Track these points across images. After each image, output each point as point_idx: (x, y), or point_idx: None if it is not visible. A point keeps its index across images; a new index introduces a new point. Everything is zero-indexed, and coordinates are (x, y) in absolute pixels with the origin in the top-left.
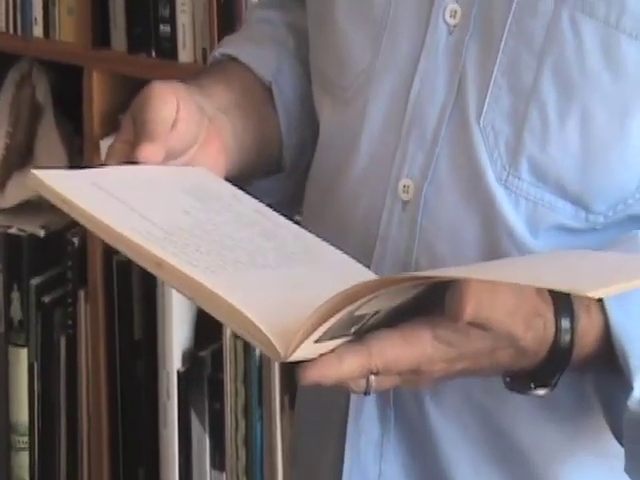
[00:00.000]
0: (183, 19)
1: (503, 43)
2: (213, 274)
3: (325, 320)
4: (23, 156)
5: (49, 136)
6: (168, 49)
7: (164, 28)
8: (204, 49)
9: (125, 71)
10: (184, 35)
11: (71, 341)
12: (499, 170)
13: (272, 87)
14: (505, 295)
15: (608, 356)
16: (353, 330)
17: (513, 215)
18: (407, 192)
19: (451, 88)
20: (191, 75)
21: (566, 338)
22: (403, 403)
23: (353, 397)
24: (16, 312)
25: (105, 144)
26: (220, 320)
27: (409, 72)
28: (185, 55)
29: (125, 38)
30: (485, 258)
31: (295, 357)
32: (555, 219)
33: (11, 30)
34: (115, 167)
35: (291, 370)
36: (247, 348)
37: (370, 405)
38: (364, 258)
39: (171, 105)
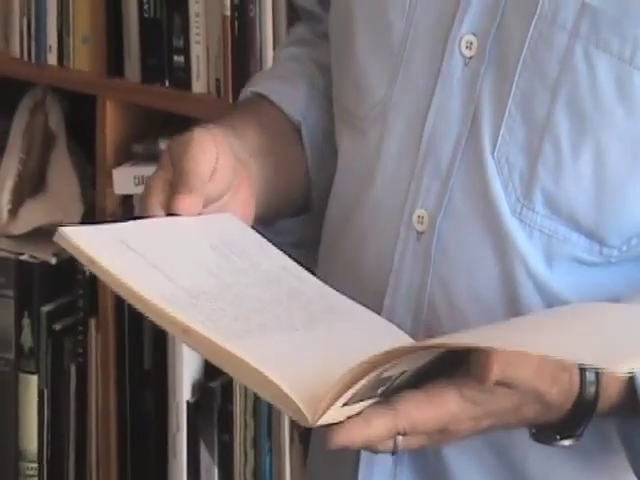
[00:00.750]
0: (197, 50)
1: (517, 75)
2: (240, 340)
3: (352, 385)
4: (35, 183)
5: (62, 164)
6: (182, 79)
7: (178, 58)
8: (217, 80)
9: (139, 101)
10: (198, 66)
11: (81, 369)
12: (513, 202)
13: (301, 127)
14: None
15: (632, 404)
16: (380, 391)
17: (528, 247)
18: (421, 223)
19: (466, 120)
20: (204, 106)
21: (591, 390)
22: None
23: None
24: (27, 339)
25: (118, 173)
26: (248, 387)
27: (424, 103)
28: (199, 86)
29: (139, 68)
30: (500, 290)
31: (323, 421)
32: (569, 252)
33: (25, 57)
34: (142, 222)
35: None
36: None
37: None
38: (378, 290)
39: (210, 155)
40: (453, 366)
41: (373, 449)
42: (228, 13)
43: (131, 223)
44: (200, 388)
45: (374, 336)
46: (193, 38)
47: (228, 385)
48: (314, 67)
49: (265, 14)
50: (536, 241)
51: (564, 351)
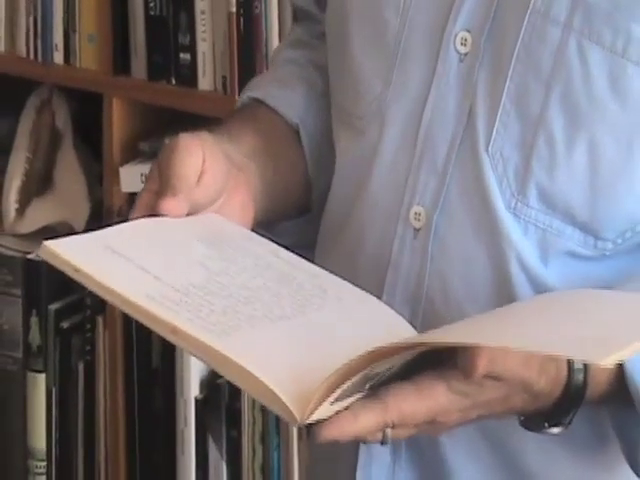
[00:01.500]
0: (203, 47)
1: (511, 70)
2: (228, 337)
3: (341, 383)
4: (42, 182)
5: (68, 162)
6: (188, 77)
7: (184, 56)
8: (224, 77)
9: (145, 98)
10: (204, 63)
11: (89, 367)
12: (508, 197)
13: (299, 130)
14: None
15: (622, 392)
16: (368, 386)
17: (523, 242)
18: (418, 220)
19: (461, 116)
20: (210, 103)
21: (579, 378)
22: None
23: None
24: (34, 338)
25: (124, 171)
26: (237, 385)
27: (420, 100)
28: (205, 83)
29: (145, 66)
30: (495, 285)
31: (311, 420)
32: (564, 245)
33: (32, 56)
34: (129, 224)
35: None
36: None
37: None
38: (376, 287)
39: (196, 158)
40: (441, 357)
41: (362, 440)
42: (234, 10)
43: (115, 227)
44: (208, 385)
45: (367, 320)
46: (199, 35)
47: None
48: (312, 69)
49: (271, 11)
50: (531, 235)
51: (549, 345)
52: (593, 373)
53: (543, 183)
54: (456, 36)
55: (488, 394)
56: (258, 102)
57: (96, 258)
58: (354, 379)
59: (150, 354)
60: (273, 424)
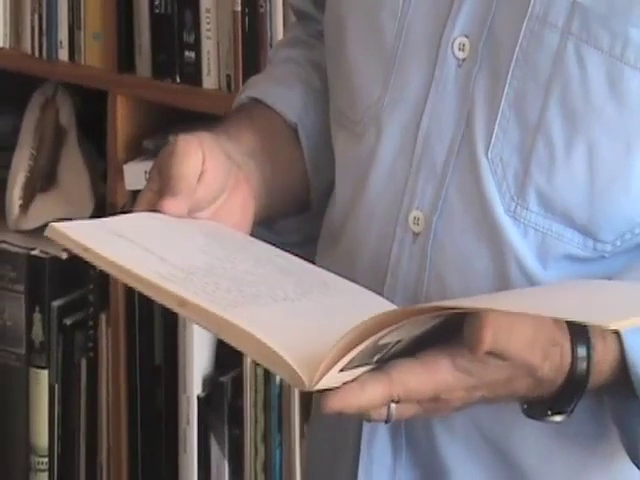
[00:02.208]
0: (208, 45)
1: (510, 75)
2: (235, 309)
3: (350, 349)
4: (46, 179)
5: (72, 159)
6: (192, 75)
7: (189, 54)
8: (228, 75)
9: (149, 96)
10: (209, 61)
11: (92, 364)
12: (507, 201)
13: (298, 128)
14: (523, 325)
15: (624, 382)
16: (375, 359)
17: (522, 245)
18: (417, 224)
19: (460, 121)
20: (214, 101)
21: (582, 366)
22: (414, 432)
23: (366, 426)
24: (37, 334)
25: (129, 168)
26: (244, 352)
27: (418, 106)
28: (209, 81)
29: (150, 63)
30: (495, 289)
31: (320, 386)
32: (564, 248)
33: (36, 53)
34: (130, 215)
35: (309, 399)
36: (267, 375)
37: (382, 434)
38: (375, 290)
39: (196, 159)
40: (449, 336)
41: (367, 417)
42: (239, 8)
43: (119, 216)
44: (210, 383)
45: (368, 307)
46: (204, 34)
47: (238, 380)
48: (310, 68)
49: (275, 9)
50: (530, 239)
51: (559, 310)
52: (596, 361)
53: (542, 187)
54: (454, 41)
55: (492, 374)
56: (256, 101)
57: (103, 240)
58: (363, 345)
59: (153, 351)
60: (275, 423)
